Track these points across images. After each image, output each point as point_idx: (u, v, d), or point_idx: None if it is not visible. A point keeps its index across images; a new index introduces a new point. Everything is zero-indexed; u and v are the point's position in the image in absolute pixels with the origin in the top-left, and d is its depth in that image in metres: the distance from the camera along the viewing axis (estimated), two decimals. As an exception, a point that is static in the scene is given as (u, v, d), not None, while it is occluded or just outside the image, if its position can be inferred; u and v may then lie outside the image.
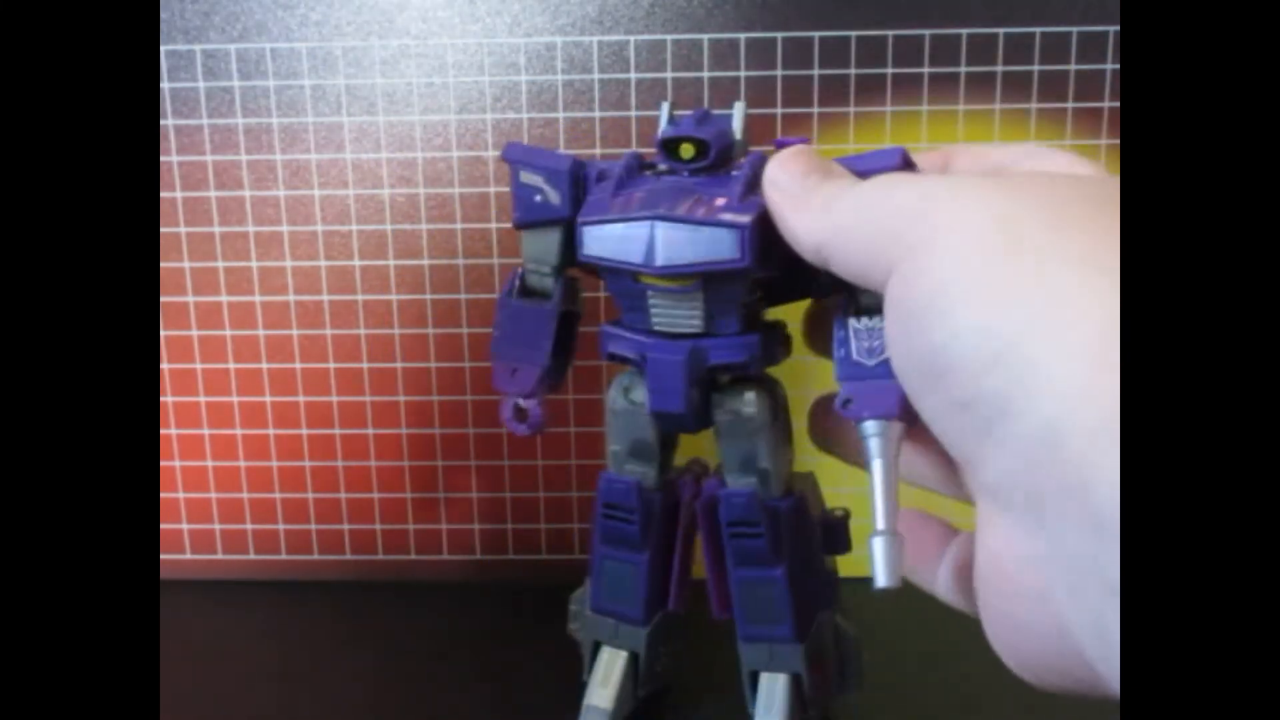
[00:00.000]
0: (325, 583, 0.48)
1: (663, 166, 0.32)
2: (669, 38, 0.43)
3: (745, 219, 0.29)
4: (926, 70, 0.43)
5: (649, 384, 0.31)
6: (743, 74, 0.43)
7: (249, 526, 0.48)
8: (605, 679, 0.35)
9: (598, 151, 0.43)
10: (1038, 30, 0.42)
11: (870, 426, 0.28)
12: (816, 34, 0.42)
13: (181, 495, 0.48)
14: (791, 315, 0.34)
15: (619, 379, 0.33)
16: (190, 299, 0.46)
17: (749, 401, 0.32)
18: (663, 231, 0.29)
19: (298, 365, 0.46)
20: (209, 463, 0.47)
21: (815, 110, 0.43)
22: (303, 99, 0.44)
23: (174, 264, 0.45)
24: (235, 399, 0.46)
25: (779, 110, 0.43)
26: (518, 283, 0.34)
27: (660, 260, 0.29)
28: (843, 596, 0.35)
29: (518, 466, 0.47)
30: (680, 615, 0.36)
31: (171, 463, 0.47)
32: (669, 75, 0.43)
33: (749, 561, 0.33)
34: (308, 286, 0.45)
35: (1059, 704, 0.24)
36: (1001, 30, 0.42)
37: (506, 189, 0.33)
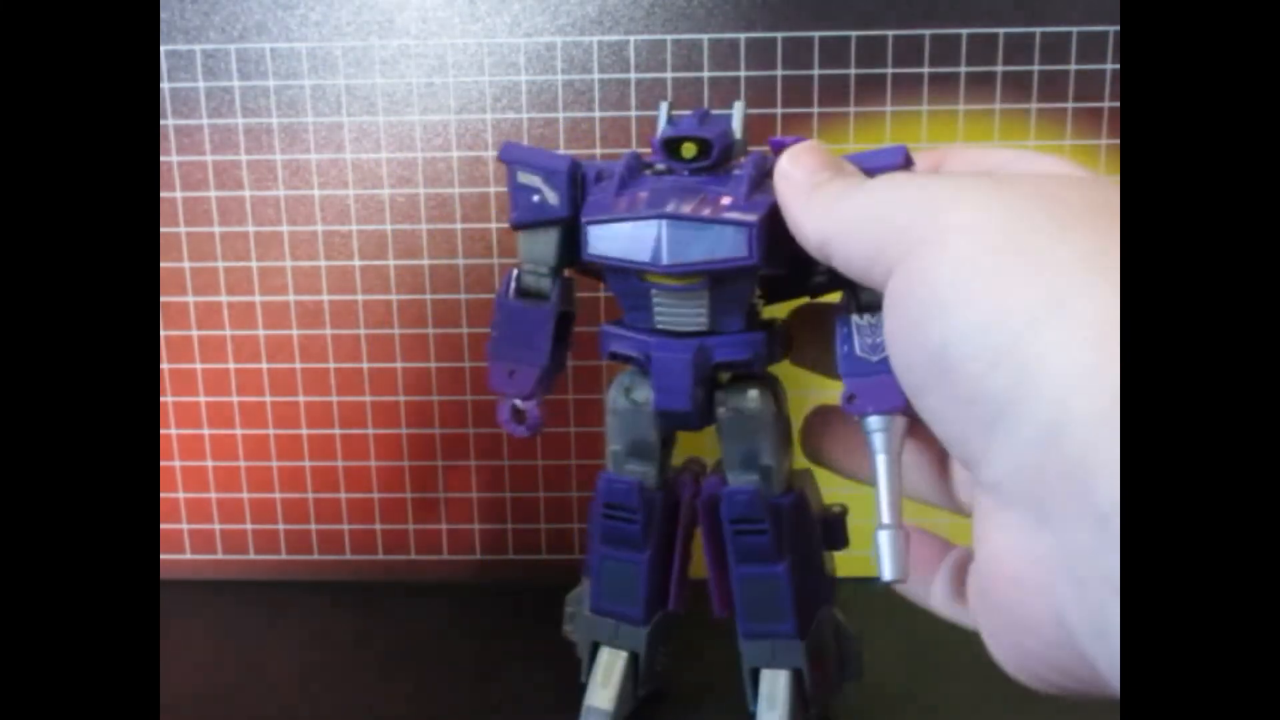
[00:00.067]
0: (325, 583, 0.48)
1: (661, 166, 0.32)
2: (669, 38, 0.43)
3: (753, 217, 0.29)
4: (926, 70, 0.43)
5: (655, 383, 0.31)
6: (743, 74, 0.43)
7: (249, 526, 0.48)
8: (605, 679, 0.35)
9: (598, 151, 0.43)
10: (1038, 30, 0.42)
11: (874, 422, 0.28)
12: (816, 34, 0.42)
13: (181, 495, 0.48)
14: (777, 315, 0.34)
15: (620, 378, 0.33)
16: (190, 299, 0.46)
17: (752, 399, 0.32)
18: (670, 230, 0.29)
19: (298, 365, 0.46)
20: (209, 463, 0.47)
21: (815, 110, 0.43)
22: (303, 99, 0.44)
23: (174, 264, 0.45)
24: (235, 399, 0.46)
25: (779, 110, 0.43)
26: (514, 283, 0.34)
27: (667, 259, 0.29)
28: (840, 594, 0.35)
29: (518, 466, 0.47)
30: (679, 615, 0.36)
31: (171, 463, 0.47)
32: (669, 75, 0.43)
33: (751, 558, 0.33)
34: (308, 286, 0.45)
35: (1055, 703, 0.24)
36: (1001, 30, 0.42)
37: (506, 189, 0.33)
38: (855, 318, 0.29)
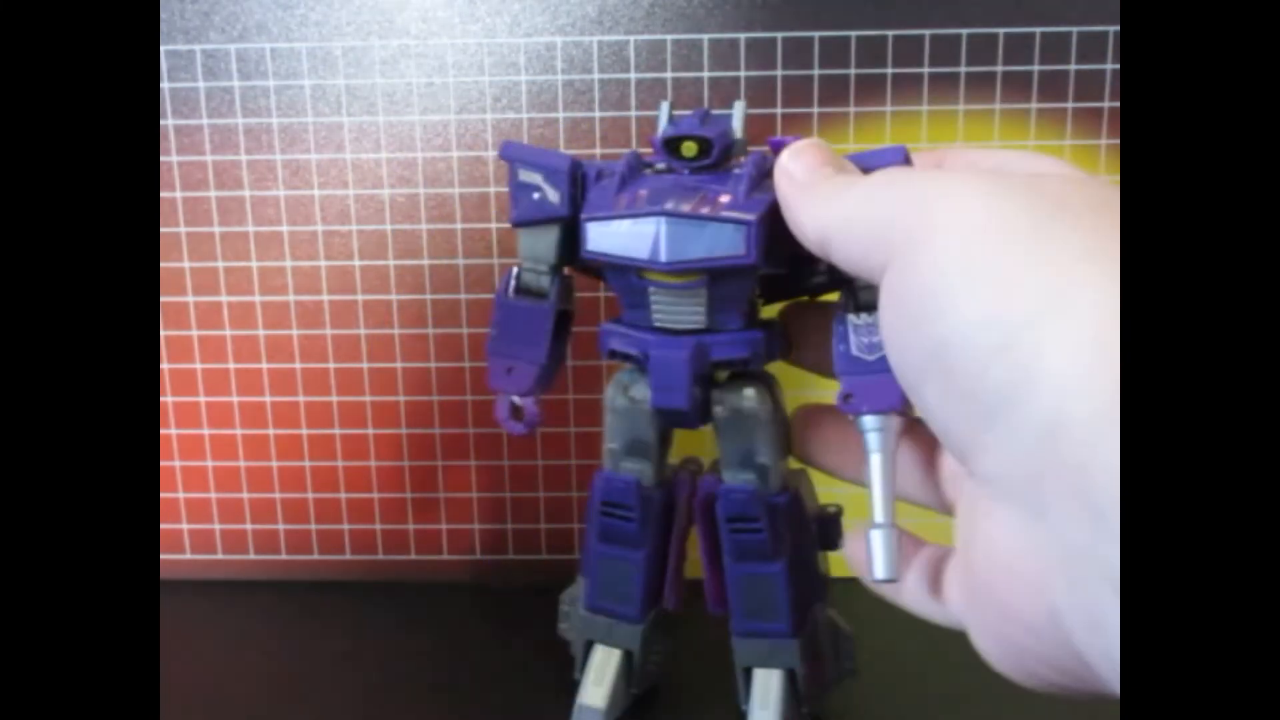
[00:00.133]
0: (325, 583, 0.48)
1: (661, 165, 0.32)
2: (669, 38, 0.43)
3: (751, 215, 0.29)
4: (926, 70, 0.43)
5: (652, 381, 0.32)
6: (743, 74, 0.43)
7: (249, 526, 0.48)
8: (599, 678, 0.35)
9: (598, 151, 0.43)
10: (1038, 30, 0.42)
11: (870, 421, 0.28)
12: (816, 34, 0.42)
13: (181, 495, 0.48)
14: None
15: (618, 377, 0.33)
16: (190, 299, 0.46)
17: (749, 397, 0.32)
18: (669, 228, 0.29)
19: (298, 365, 0.46)
20: (209, 463, 0.47)
21: (815, 110, 0.43)
22: (303, 99, 0.44)
23: (174, 264, 0.45)
24: (235, 399, 0.46)
25: (779, 110, 0.43)
26: (514, 281, 0.34)
27: (666, 256, 0.29)
28: (835, 592, 0.35)
29: (517, 466, 0.47)
30: (672, 613, 0.36)
31: (171, 463, 0.47)
32: (669, 75, 0.43)
33: (747, 557, 0.33)
34: (308, 286, 0.45)
35: (1047, 699, 0.24)
36: (1001, 30, 0.42)
37: (506, 189, 0.33)
38: (852, 317, 0.30)
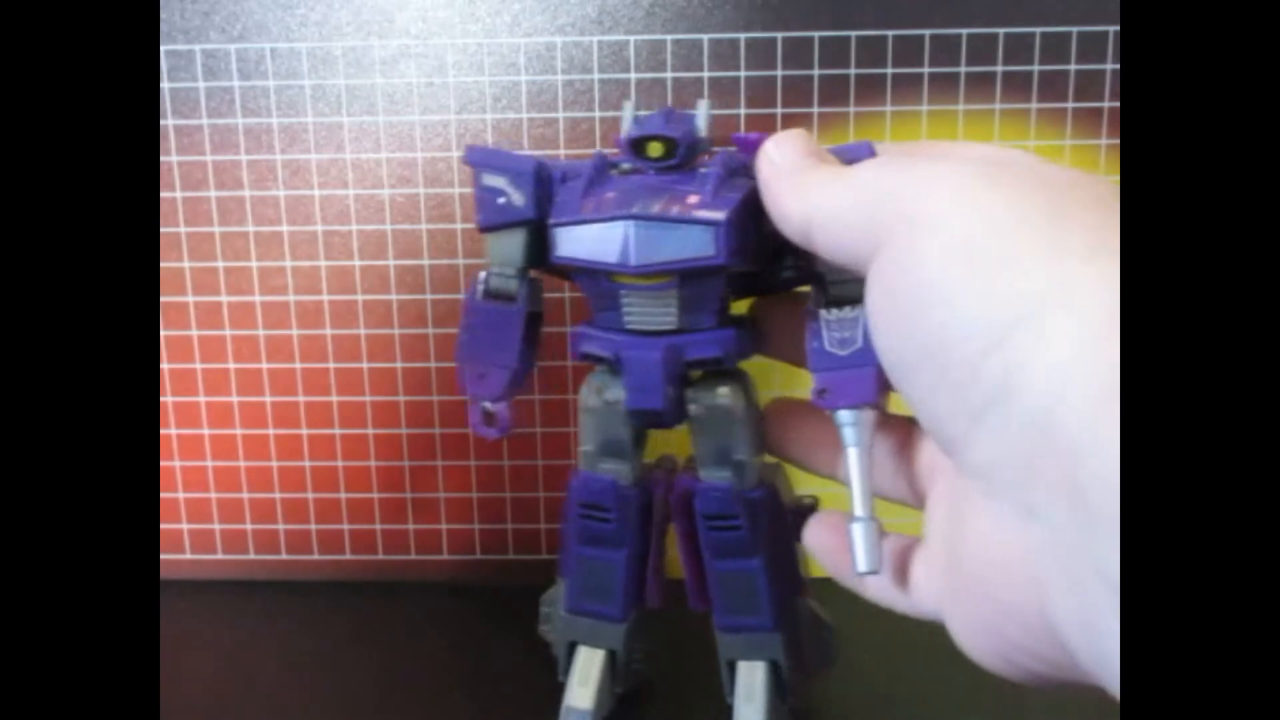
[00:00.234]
0: (325, 583, 0.48)
1: (627, 166, 0.32)
2: (669, 38, 0.43)
3: (721, 215, 0.29)
4: (926, 70, 0.43)
5: (627, 382, 0.32)
6: (743, 74, 0.43)
7: (249, 526, 0.48)
8: (584, 679, 0.35)
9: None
10: (1038, 30, 0.42)
11: (846, 415, 0.29)
12: (816, 34, 0.42)
13: (181, 495, 0.48)
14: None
15: (591, 378, 0.33)
16: (190, 299, 0.46)
17: (724, 395, 0.32)
18: (638, 231, 0.29)
19: (298, 365, 0.46)
20: (209, 463, 0.47)
21: (815, 110, 0.43)
22: (303, 99, 0.44)
23: (174, 264, 0.45)
24: (235, 399, 0.46)
25: (779, 110, 0.43)
26: (482, 286, 0.33)
27: (635, 260, 0.29)
28: (813, 585, 0.35)
29: (517, 466, 0.47)
30: (653, 611, 0.36)
31: (171, 463, 0.47)
32: (669, 75, 0.43)
33: (727, 553, 0.33)
34: (308, 286, 0.45)
35: (1029, 688, 0.24)
36: (1001, 30, 0.42)
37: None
38: (825, 313, 0.30)
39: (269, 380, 0.46)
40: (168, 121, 0.44)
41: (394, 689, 0.40)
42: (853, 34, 0.42)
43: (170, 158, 0.44)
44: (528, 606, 0.39)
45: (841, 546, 0.29)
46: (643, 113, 0.32)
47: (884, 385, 0.28)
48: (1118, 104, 0.43)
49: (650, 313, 0.31)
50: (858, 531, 0.28)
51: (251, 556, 0.48)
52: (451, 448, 0.47)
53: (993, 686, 0.25)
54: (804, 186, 0.27)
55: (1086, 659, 0.20)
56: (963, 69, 0.43)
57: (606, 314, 0.32)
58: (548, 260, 0.32)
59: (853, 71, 0.43)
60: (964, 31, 0.42)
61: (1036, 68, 0.42)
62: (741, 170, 0.30)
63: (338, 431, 0.47)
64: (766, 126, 0.43)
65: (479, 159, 0.33)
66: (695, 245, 0.29)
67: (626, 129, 0.31)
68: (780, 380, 0.41)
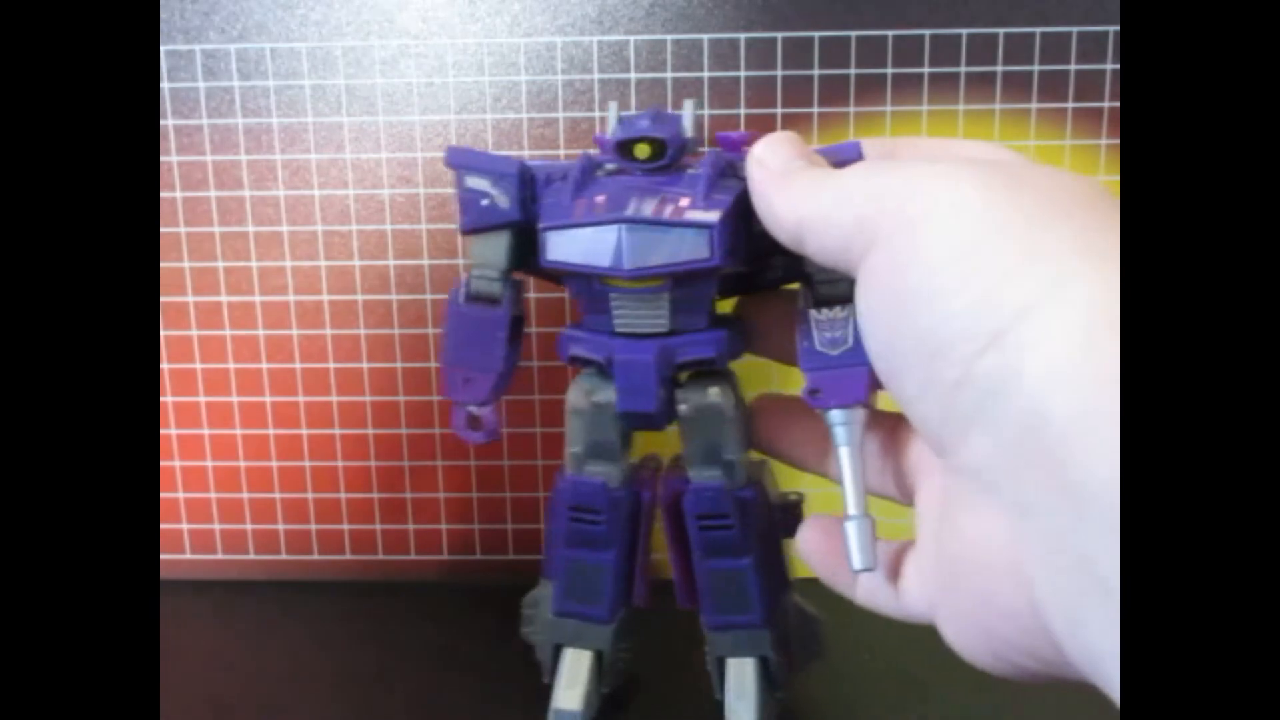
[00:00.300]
0: (325, 583, 0.48)
1: (612, 166, 0.32)
2: (669, 38, 0.43)
3: (713, 217, 0.29)
4: (926, 70, 0.43)
5: (618, 384, 0.31)
6: (743, 74, 0.43)
7: (249, 526, 0.48)
8: (572, 680, 0.35)
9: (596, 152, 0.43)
10: (1038, 30, 0.42)
11: (837, 415, 0.29)
12: (816, 34, 0.42)
13: (181, 495, 0.48)
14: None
15: (580, 381, 0.33)
16: (190, 299, 0.46)
17: (713, 395, 0.32)
18: (630, 235, 0.29)
19: (298, 365, 0.46)
20: (209, 463, 0.47)
21: (815, 110, 0.43)
22: (303, 99, 0.44)
23: (174, 264, 0.45)
24: (235, 399, 0.46)
25: (779, 110, 0.43)
26: (465, 289, 0.33)
27: (629, 263, 0.29)
28: (798, 580, 0.35)
29: (517, 466, 0.47)
30: (640, 610, 0.36)
31: (171, 463, 0.47)
32: (669, 75, 0.43)
33: (718, 552, 0.33)
34: (308, 286, 0.45)
35: (1008, 682, 0.25)
36: (1001, 30, 0.42)
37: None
38: (814, 313, 0.30)
39: (269, 380, 0.46)
40: (168, 121, 0.44)
41: (394, 689, 0.40)
42: (853, 34, 0.42)
43: (170, 158, 0.44)
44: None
45: (835, 549, 0.29)
46: (627, 113, 0.32)
47: (875, 385, 0.28)
48: (1118, 104, 0.43)
49: (641, 315, 0.31)
50: (852, 529, 0.28)
51: (251, 556, 0.48)
52: (451, 448, 0.47)
53: (980, 676, 0.25)
54: (795, 189, 0.27)
55: (1077, 656, 0.20)
56: (963, 69, 0.43)
57: (596, 316, 0.32)
58: (531, 262, 0.31)
59: (853, 71, 0.43)
60: (964, 31, 0.42)
61: (1036, 68, 0.42)
62: (729, 170, 0.30)
63: (338, 431, 0.47)
64: (766, 126, 0.43)
65: (460, 160, 0.32)
66: (689, 249, 0.29)
67: (612, 130, 0.31)
68: (780, 380, 0.41)
